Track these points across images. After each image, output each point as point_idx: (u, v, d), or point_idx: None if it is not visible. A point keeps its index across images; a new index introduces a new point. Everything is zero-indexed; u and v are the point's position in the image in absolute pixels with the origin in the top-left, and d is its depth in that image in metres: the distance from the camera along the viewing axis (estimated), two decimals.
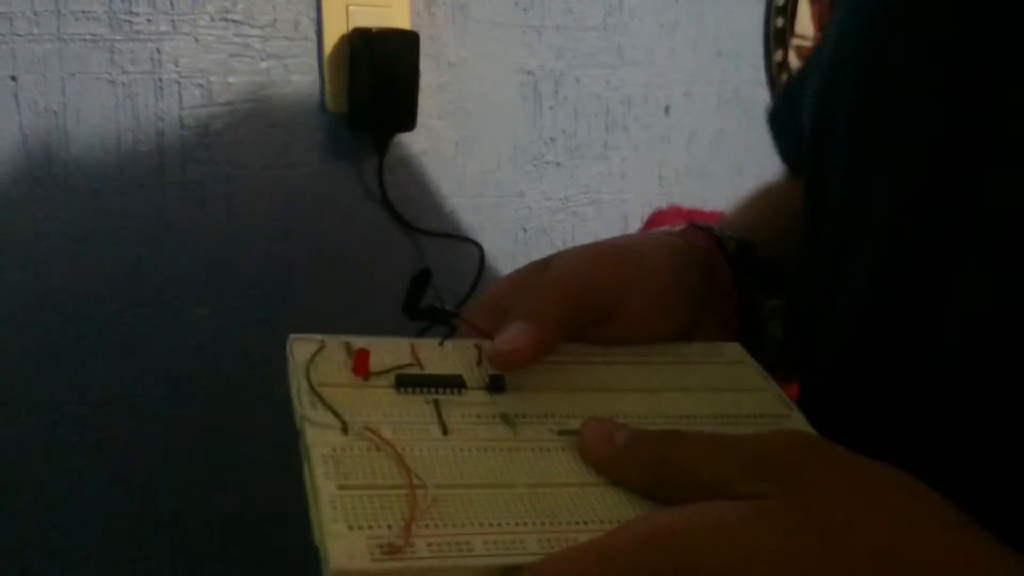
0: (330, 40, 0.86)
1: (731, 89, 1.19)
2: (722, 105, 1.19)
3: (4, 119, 0.73)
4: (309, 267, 0.89)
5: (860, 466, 0.32)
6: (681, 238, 0.49)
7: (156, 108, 0.79)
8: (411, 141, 0.93)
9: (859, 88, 0.42)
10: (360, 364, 0.39)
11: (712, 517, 0.31)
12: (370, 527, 0.31)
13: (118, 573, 0.85)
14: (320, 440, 0.35)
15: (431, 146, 0.95)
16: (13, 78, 0.73)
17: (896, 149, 0.40)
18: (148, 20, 0.78)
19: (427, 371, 0.39)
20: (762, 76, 1.23)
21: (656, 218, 1.13)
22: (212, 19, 0.81)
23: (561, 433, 0.37)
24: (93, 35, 0.76)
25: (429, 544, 0.31)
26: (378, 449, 0.35)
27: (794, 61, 1.24)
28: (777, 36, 1.22)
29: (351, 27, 0.86)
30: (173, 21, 0.79)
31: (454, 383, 0.39)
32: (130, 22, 0.77)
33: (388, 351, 0.40)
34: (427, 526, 0.32)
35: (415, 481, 0.33)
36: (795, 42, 1.24)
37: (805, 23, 1.24)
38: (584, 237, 1.09)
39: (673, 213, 1.14)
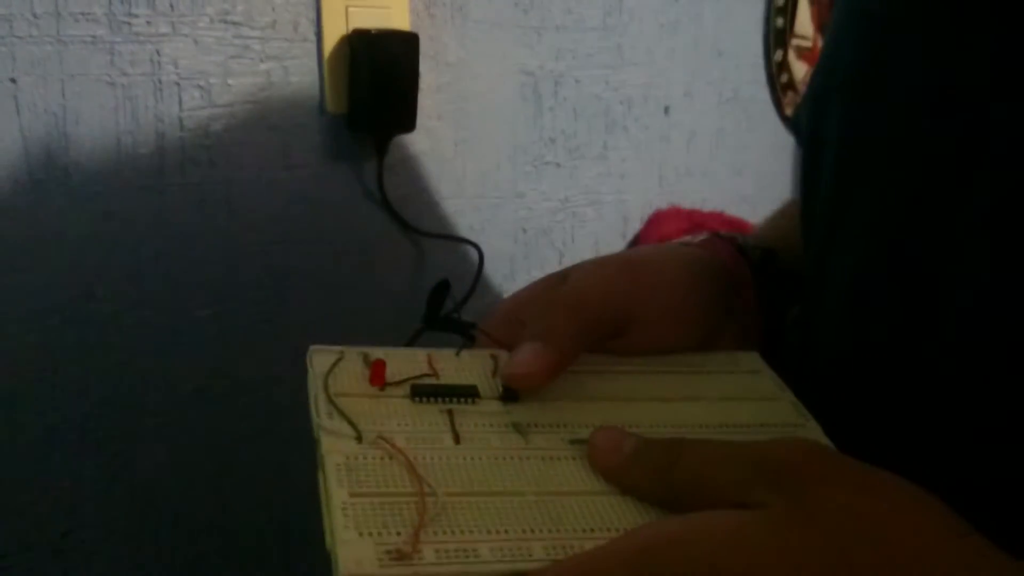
0: (330, 41, 0.86)
1: (731, 89, 1.20)
2: (722, 105, 1.19)
3: (4, 121, 0.73)
4: (309, 268, 0.89)
5: (865, 476, 0.32)
6: (702, 248, 0.50)
7: (156, 110, 0.79)
8: (411, 142, 0.93)
9: (852, 91, 0.42)
10: (377, 374, 0.39)
11: (714, 526, 0.31)
12: (380, 534, 0.32)
13: (119, 574, 0.85)
14: (335, 448, 0.35)
15: (431, 147, 0.95)
16: (13, 80, 0.73)
17: (887, 151, 0.40)
18: (148, 22, 0.78)
19: (443, 381, 0.40)
20: (762, 76, 1.23)
21: (656, 218, 1.14)
22: (212, 21, 0.81)
23: (572, 442, 0.38)
24: (93, 37, 0.76)
25: (436, 551, 0.32)
26: (391, 458, 0.35)
27: (794, 61, 1.24)
28: (777, 36, 1.22)
29: (351, 28, 0.86)
30: (173, 23, 0.79)
31: (468, 393, 0.39)
32: (129, 24, 0.77)
33: (405, 361, 0.40)
34: (436, 533, 0.32)
35: (426, 489, 0.34)
36: (795, 42, 1.24)
37: (805, 23, 1.24)
38: (584, 238, 1.09)
39: (673, 213, 1.14)
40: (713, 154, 1.20)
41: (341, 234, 0.91)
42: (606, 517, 0.34)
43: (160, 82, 0.79)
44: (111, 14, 0.76)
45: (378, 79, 0.86)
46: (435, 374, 0.40)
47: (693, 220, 1.12)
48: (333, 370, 0.39)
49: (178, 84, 0.80)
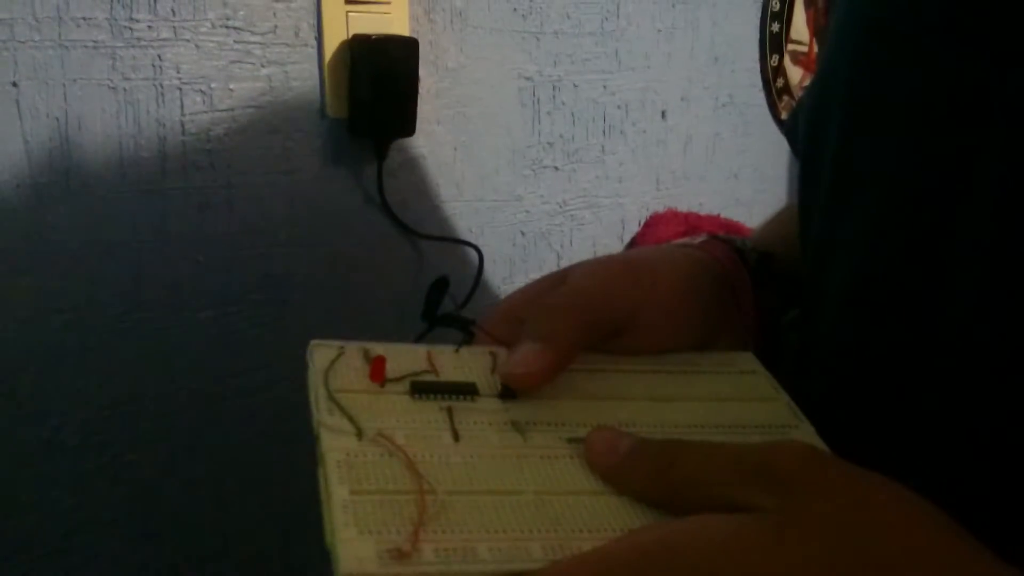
0: (330, 46, 0.87)
1: (727, 94, 1.20)
2: (718, 110, 1.20)
3: (6, 126, 0.73)
4: (309, 271, 0.90)
5: (860, 481, 0.32)
6: (701, 250, 0.49)
7: (157, 114, 0.80)
8: (410, 146, 0.94)
9: (851, 94, 0.42)
10: (377, 371, 0.39)
11: (712, 530, 0.31)
12: (380, 532, 0.32)
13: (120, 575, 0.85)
14: (335, 445, 0.35)
15: (430, 151, 0.95)
16: (15, 84, 0.73)
17: (886, 153, 0.40)
18: (149, 27, 0.78)
19: (442, 378, 0.40)
20: (758, 81, 1.23)
21: (653, 221, 1.14)
22: (213, 26, 0.81)
23: (570, 441, 0.38)
24: (95, 42, 0.76)
25: (435, 550, 0.32)
26: (391, 455, 0.35)
27: (789, 66, 1.24)
28: (772, 41, 1.22)
29: (351, 33, 0.87)
30: (174, 28, 0.79)
31: (467, 390, 0.39)
32: (131, 29, 0.77)
33: (405, 358, 0.40)
34: (435, 532, 0.32)
35: (425, 487, 0.34)
36: (790, 47, 1.24)
37: (800, 28, 1.25)
38: (582, 241, 1.10)
39: (670, 216, 1.14)
40: (709, 158, 1.20)
41: (341, 237, 0.91)
42: (604, 517, 0.34)
43: (162, 87, 0.79)
44: (113, 19, 0.76)
45: (378, 84, 0.86)
46: (435, 371, 0.40)
47: (689, 223, 1.13)
48: (333, 366, 0.39)
49: (180, 89, 0.80)
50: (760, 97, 1.24)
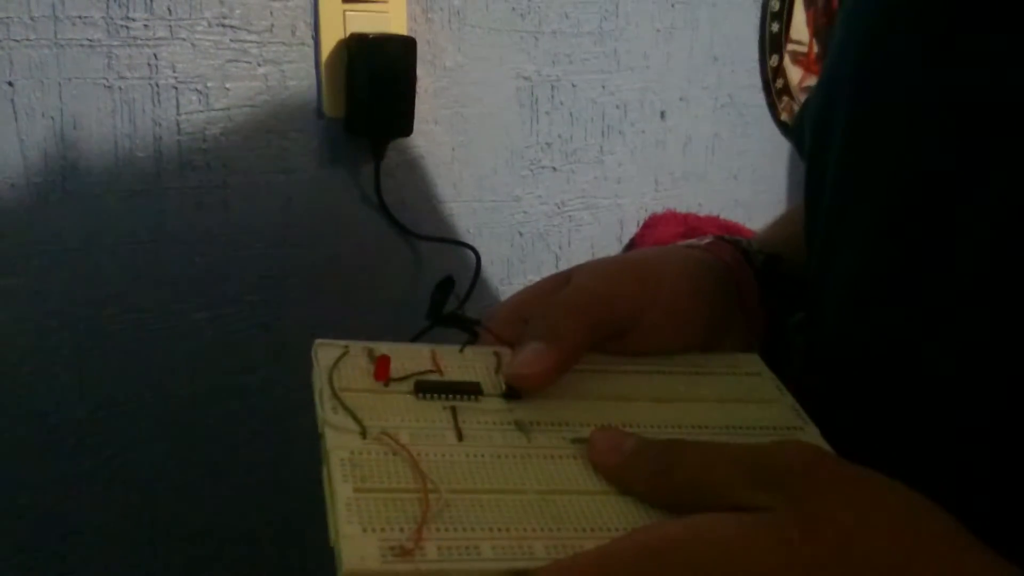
0: (327, 45, 0.86)
1: (726, 94, 1.20)
2: (717, 110, 1.20)
3: (1, 125, 0.73)
4: (306, 272, 0.89)
5: (865, 482, 0.32)
6: (706, 251, 0.50)
7: (153, 114, 0.79)
8: (408, 146, 0.94)
9: (856, 96, 0.43)
10: (381, 370, 0.39)
11: (716, 529, 0.31)
12: (383, 530, 0.32)
13: None
14: (339, 444, 0.36)
15: (428, 151, 0.95)
16: (10, 84, 0.73)
17: (889, 154, 0.40)
18: (145, 26, 0.78)
19: (446, 377, 0.40)
20: (757, 81, 1.23)
21: (652, 222, 1.14)
22: (209, 25, 0.81)
23: (574, 441, 0.38)
24: (90, 40, 0.76)
25: (439, 547, 0.32)
26: (395, 454, 0.35)
27: (789, 66, 1.24)
28: (772, 41, 1.22)
29: (348, 32, 0.87)
30: (170, 27, 0.79)
31: (471, 390, 0.40)
32: (127, 28, 0.77)
33: (409, 357, 0.41)
34: (438, 530, 0.33)
35: (429, 485, 0.34)
36: (790, 47, 1.24)
37: (800, 28, 1.25)
38: (580, 241, 1.09)
39: (669, 217, 1.14)
40: (708, 159, 1.20)
41: (338, 238, 0.91)
42: (607, 517, 0.35)
43: (158, 86, 0.79)
44: (109, 18, 0.76)
45: (375, 83, 0.86)
46: (439, 370, 0.41)
47: (688, 224, 1.13)
48: (338, 365, 0.39)
49: (176, 88, 0.80)
50: (760, 97, 1.24)
